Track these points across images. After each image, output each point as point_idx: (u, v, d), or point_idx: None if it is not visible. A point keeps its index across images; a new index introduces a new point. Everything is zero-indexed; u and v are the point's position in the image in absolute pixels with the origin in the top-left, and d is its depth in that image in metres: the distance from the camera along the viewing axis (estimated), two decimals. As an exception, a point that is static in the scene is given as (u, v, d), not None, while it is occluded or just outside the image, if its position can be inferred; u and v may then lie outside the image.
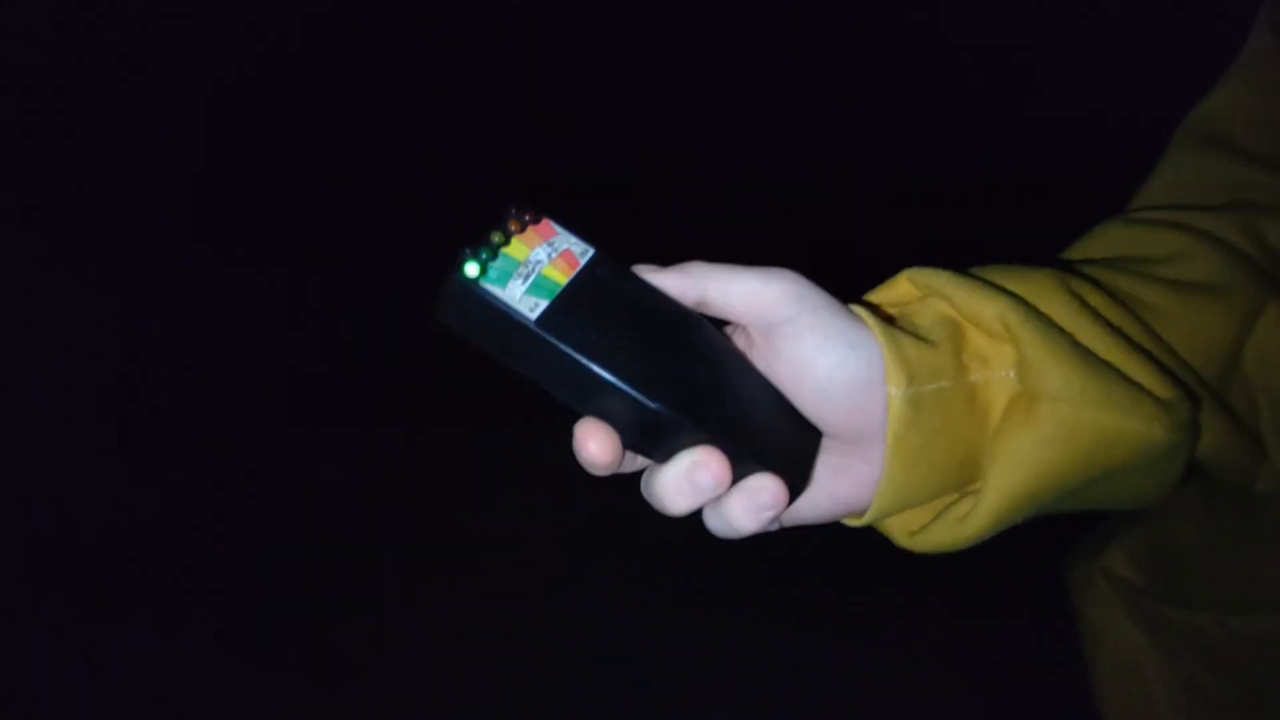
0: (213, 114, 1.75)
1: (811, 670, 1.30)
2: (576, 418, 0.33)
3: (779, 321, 0.33)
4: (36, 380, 1.49)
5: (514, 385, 0.35)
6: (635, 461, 0.34)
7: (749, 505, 0.31)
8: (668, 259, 0.36)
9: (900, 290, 0.37)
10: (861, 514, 0.35)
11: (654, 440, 0.32)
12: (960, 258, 0.38)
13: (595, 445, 0.31)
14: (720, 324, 0.35)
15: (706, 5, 1.91)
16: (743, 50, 1.89)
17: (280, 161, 1.73)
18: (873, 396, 0.32)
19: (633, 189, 1.70)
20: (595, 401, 0.32)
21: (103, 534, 1.38)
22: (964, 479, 0.34)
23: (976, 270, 0.37)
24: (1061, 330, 0.34)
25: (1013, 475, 0.32)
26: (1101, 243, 0.44)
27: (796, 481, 0.32)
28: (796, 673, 1.30)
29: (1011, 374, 0.34)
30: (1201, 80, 0.52)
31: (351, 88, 1.82)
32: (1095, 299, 0.36)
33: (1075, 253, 0.44)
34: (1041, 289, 0.35)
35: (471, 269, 0.31)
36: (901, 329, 0.34)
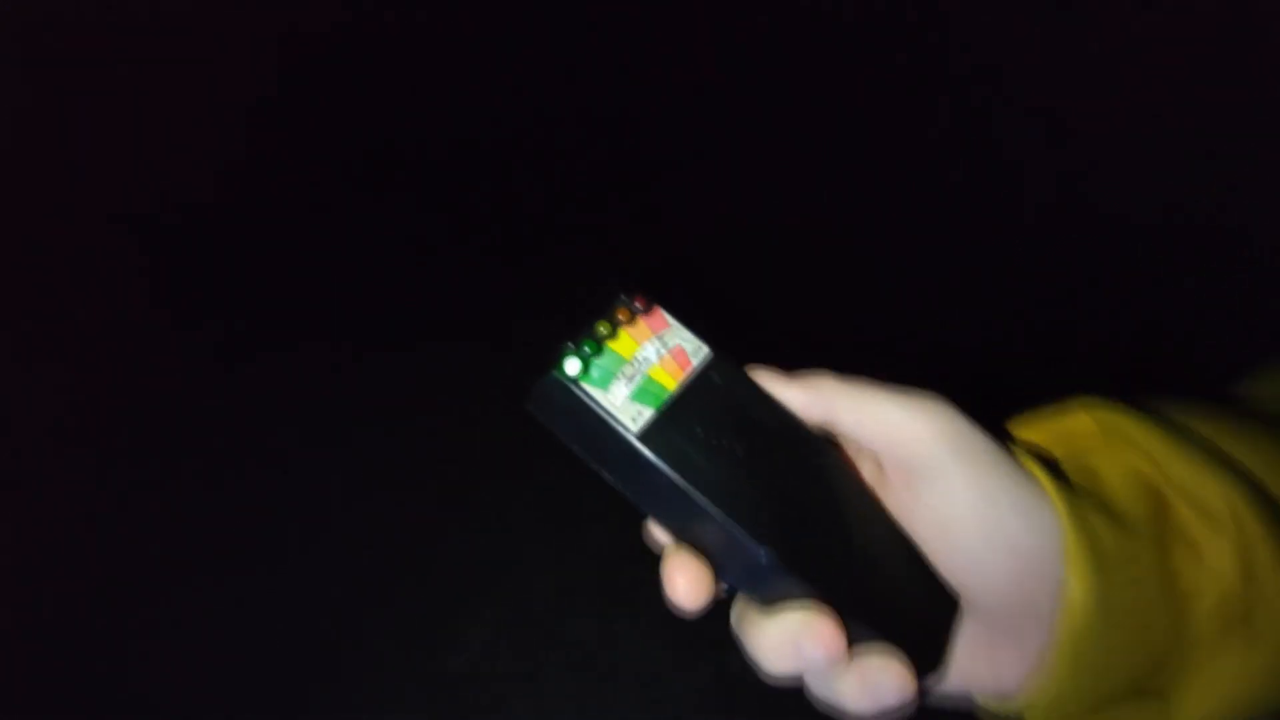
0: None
1: None
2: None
3: (925, 464, 0.27)
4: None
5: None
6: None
7: (866, 691, 0.26)
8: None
9: (1076, 424, 0.30)
10: (998, 699, 0.29)
11: (756, 587, 0.27)
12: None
13: (685, 585, 0.26)
14: (833, 439, 0.30)
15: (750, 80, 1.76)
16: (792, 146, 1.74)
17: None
18: (1040, 573, 0.26)
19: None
20: (693, 531, 0.27)
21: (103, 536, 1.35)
22: (1142, 680, 0.28)
23: (1165, 406, 0.31)
24: None
25: (1213, 706, 0.26)
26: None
27: (926, 663, 0.27)
28: None
29: (1232, 573, 0.27)
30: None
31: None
32: None
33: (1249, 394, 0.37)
34: (1271, 458, 0.28)
35: (572, 366, 0.26)
36: (1080, 487, 0.27)
